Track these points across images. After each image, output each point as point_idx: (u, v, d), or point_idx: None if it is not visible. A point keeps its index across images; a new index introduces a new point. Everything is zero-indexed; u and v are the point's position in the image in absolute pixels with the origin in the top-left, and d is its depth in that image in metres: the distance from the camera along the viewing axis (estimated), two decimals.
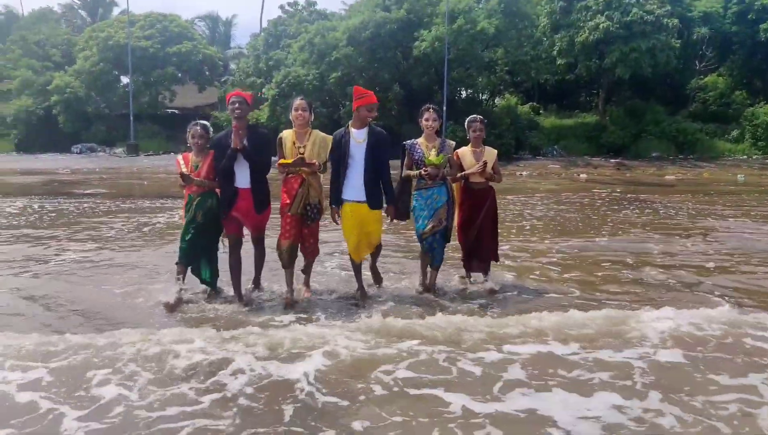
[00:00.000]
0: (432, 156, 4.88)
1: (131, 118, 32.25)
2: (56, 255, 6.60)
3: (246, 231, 5.03)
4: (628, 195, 14.32)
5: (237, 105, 4.61)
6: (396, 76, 28.19)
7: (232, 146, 4.59)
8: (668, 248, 7.33)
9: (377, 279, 5.30)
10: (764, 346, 3.84)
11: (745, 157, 27.04)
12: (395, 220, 5.13)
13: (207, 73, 37.08)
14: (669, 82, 30.31)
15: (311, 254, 5.06)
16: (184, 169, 4.82)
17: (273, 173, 4.78)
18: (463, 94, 32.47)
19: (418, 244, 5.21)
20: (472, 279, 5.52)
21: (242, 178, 4.71)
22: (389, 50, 27.66)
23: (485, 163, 5.07)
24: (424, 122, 4.99)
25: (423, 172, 4.86)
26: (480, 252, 5.38)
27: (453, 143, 5.16)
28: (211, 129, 4.96)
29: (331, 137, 4.86)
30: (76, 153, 31.83)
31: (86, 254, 6.63)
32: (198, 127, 4.87)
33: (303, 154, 4.69)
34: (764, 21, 28.19)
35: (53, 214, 10.01)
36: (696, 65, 29.64)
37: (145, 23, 34.67)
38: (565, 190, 15.69)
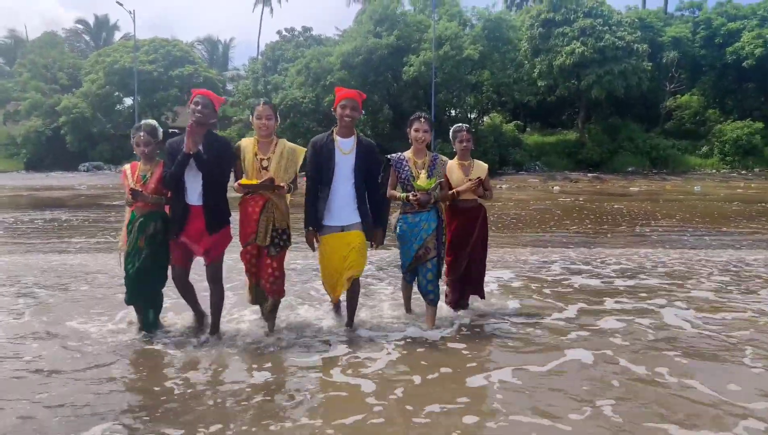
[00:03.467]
0: (422, 179, 4.33)
1: None
2: None
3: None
4: (586, 203, 17.16)
5: (200, 107, 3.96)
6: (387, 99, 31.29)
7: (183, 150, 3.91)
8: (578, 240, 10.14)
9: (350, 320, 4.48)
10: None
11: (713, 171, 30.04)
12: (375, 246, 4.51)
13: None
14: (644, 102, 33.47)
15: (275, 292, 4.18)
16: (131, 182, 4.11)
17: (232, 192, 4.16)
18: (452, 113, 35.56)
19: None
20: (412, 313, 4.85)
21: (194, 192, 4.02)
22: (380, 74, 30.80)
23: (480, 180, 4.65)
24: (413, 133, 4.42)
25: (411, 198, 4.30)
26: (469, 282, 4.85)
27: (446, 160, 4.66)
28: (161, 131, 4.26)
29: (301, 149, 4.22)
30: (83, 171, 34.66)
31: None
32: (142, 134, 4.10)
33: (267, 168, 4.04)
34: (730, 45, 31.48)
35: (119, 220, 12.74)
36: (667, 86, 32.77)
37: (150, 48, 37.83)
38: (535, 200, 18.50)
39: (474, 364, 3.77)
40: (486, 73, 31.66)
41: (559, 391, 3.33)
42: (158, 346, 4.06)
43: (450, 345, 4.14)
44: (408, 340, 4.23)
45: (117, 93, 38.80)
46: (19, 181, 28.06)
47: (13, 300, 5.35)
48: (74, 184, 25.76)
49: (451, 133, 4.86)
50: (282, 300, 4.35)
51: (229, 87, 45.24)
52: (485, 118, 35.53)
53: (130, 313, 4.46)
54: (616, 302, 5.35)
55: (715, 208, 15.77)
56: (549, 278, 6.38)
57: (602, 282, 6.24)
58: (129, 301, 4.22)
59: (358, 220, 4.22)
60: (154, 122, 4.26)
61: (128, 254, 4.15)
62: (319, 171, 4.15)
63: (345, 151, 4.16)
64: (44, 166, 35.83)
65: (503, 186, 24.64)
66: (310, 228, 4.22)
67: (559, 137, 34.01)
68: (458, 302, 4.90)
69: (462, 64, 30.07)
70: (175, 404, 3.17)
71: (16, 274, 6.41)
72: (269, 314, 4.34)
